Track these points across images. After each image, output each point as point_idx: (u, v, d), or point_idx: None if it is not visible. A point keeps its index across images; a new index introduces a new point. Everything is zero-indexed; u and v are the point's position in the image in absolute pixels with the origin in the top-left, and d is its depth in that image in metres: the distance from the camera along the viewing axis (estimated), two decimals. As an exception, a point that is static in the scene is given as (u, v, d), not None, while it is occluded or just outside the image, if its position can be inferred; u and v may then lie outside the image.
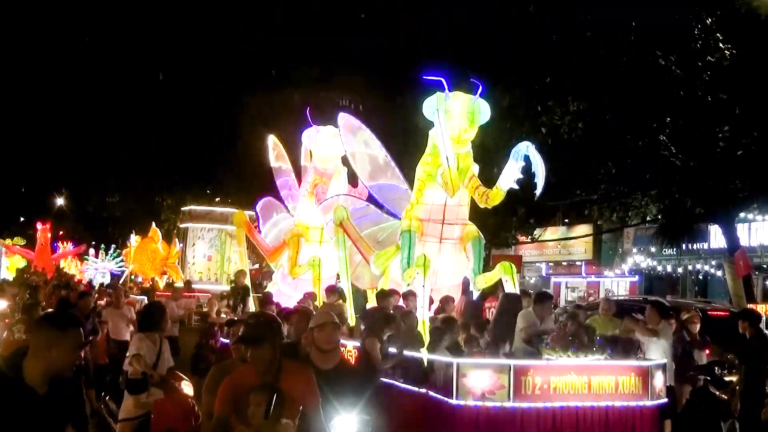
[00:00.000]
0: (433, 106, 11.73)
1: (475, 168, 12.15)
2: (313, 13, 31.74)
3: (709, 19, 18.20)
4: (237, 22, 35.61)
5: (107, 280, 34.67)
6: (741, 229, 22.99)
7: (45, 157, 41.20)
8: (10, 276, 33.16)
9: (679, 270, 28.09)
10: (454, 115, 11.69)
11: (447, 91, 11.77)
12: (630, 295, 25.66)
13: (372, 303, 13.15)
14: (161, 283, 28.83)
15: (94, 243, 41.91)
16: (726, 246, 20.34)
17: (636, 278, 30.34)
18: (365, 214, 14.12)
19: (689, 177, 19.20)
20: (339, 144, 14.68)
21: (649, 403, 8.81)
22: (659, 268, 28.86)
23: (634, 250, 29.97)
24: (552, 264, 35.47)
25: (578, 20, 19.36)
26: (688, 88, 18.48)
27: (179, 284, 23.68)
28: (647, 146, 19.61)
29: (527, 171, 11.44)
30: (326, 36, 30.61)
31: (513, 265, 12.33)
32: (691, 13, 18.28)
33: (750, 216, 24.10)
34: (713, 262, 25.96)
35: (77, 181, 44.03)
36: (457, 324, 10.25)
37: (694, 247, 25.71)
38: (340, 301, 12.85)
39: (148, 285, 28.18)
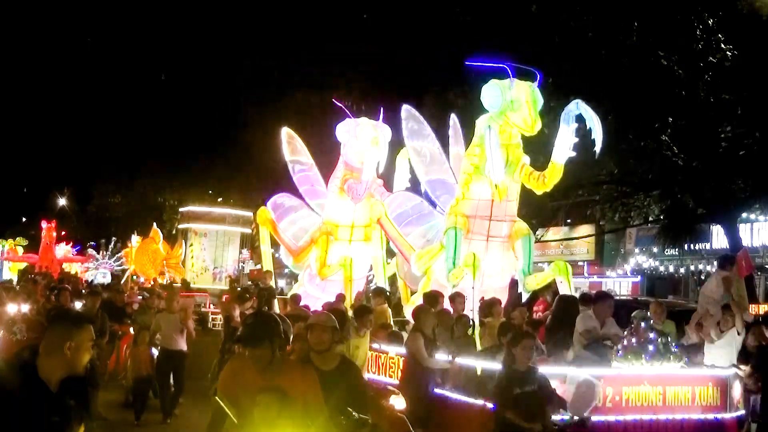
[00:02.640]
0: (496, 95, 10.93)
1: (526, 159, 11.46)
2: (314, 13, 31.76)
3: (711, 20, 18.19)
4: (239, 23, 35.62)
5: (107, 279, 34.66)
6: (743, 230, 23.00)
7: (47, 158, 41.28)
8: (12, 276, 33.19)
9: (681, 270, 28.08)
10: (522, 104, 10.83)
11: (511, 77, 10.93)
12: (632, 296, 25.63)
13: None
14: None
15: (94, 244, 41.94)
16: (728, 246, 20.33)
17: (638, 278, 30.34)
18: (419, 211, 13.51)
19: (691, 177, 19.19)
20: (386, 147, 14.06)
21: (727, 415, 8.14)
22: (661, 269, 28.85)
23: (637, 250, 29.98)
24: (554, 264, 35.41)
25: (580, 21, 19.34)
26: (690, 89, 18.47)
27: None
28: (649, 147, 19.60)
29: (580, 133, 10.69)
30: (328, 35, 30.61)
31: (568, 265, 11.61)
32: (693, 14, 18.25)
33: (752, 216, 24.11)
34: (715, 263, 25.90)
35: (79, 181, 44.10)
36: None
37: (696, 247, 25.73)
38: (385, 305, 12.16)
39: (149, 285, 28.19)
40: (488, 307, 10.66)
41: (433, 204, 13.45)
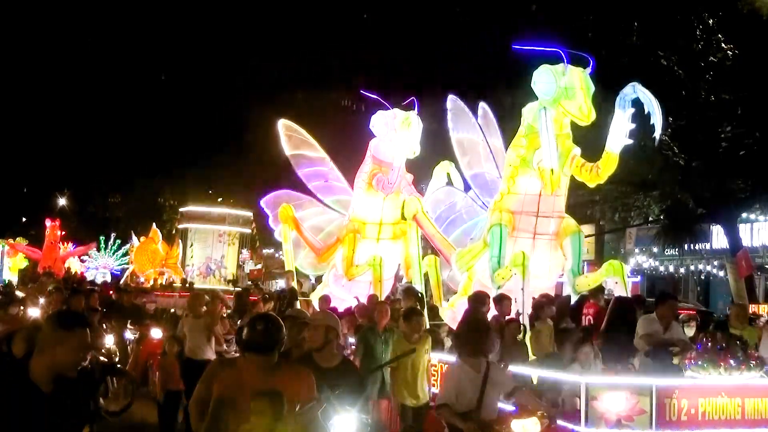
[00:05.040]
0: (550, 81, 10.19)
1: (576, 150, 10.70)
2: (314, 12, 31.79)
3: (711, 20, 18.20)
4: (239, 22, 35.64)
5: (107, 279, 34.66)
6: (743, 230, 22.98)
7: (47, 158, 41.24)
8: (13, 276, 33.16)
9: (681, 270, 28.04)
10: (577, 91, 10.12)
11: (566, 62, 10.22)
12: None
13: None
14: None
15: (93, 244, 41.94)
16: (728, 246, 20.33)
17: (638, 279, 30.27)
18: (464, 208, 12.93)
19: (691, 177, 19.18)
20: (419, 131, 13.28)
21: None
22: (661, 269, 28.82)
23: (637, 250, 29.94)
24: (554, 264, 35.37)
25: (580, 20, 19.35)
26: (691, 89, 18.47)
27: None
28: (649, 146, 19.60)
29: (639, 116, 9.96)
30: (328, 35, 30.64)
31: (623, 265, 10.87)
32: (693, 14, 18.27)
33: (752, 216, 24.08)
34: (715, 263, 25.92)
35: (79, 181, 44.09)
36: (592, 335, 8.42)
37: (696, 247, 25.68)
38: (417, 306, 10.97)
39: (149, 285, 28.21)
40: (537, 309, 9.86)
41: (478, 200, 12.79)
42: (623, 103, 9.87)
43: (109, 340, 11.02)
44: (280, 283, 40.19)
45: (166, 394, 9.70)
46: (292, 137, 15.93)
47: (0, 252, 36.48)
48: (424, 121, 13.54)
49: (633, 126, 9.91)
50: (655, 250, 27.30)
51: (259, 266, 36.62)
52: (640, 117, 10.17)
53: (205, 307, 10.26)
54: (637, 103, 9.96)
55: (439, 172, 14.13)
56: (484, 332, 5.63)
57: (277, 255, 45.17)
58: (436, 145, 14.38)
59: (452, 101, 13.12)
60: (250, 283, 28.64)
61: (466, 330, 5.86)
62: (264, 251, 39.88)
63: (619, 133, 9.90)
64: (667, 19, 18.27)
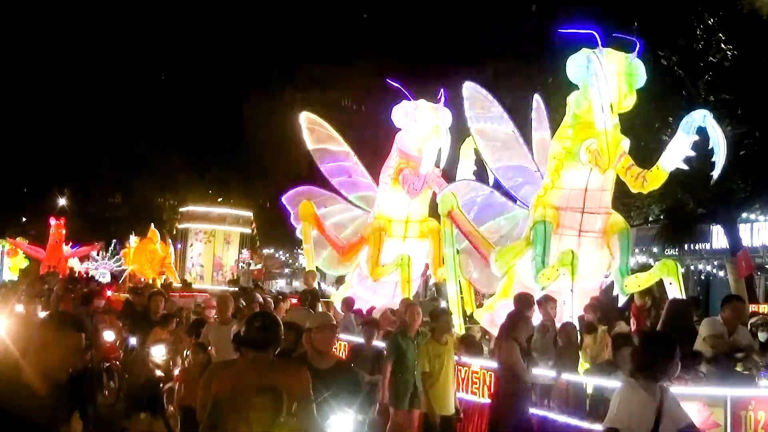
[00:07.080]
0: (581, 64, 9.73)
1: (626, 143, 10.12)
2: (314, 12, 31.78)
3: (711, 20, 18.18)
4: (240, 22, 35.62)
5: (107, 279, 34.62)
6: (743, 230, 22.94)
7: (47, 157, 41.24)
8: (13, 276, 33.12)
9: (681, 270, 27.96)
10: (611, 76, 9.52)
11: (600, 46, 9.74)
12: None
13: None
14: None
15: (96, 244, 41.94)
16: (728, 246, 20.30)
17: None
18: (489, 202, 12.08)
19: (691, 177, 19.16)
20: (440, 125, 12.64)
21: None
22: (661, 269, 28.75)
23: (636, 250, 29.89)
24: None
25: (580, 20, 19.32)
26: (690, 89, 18.45)
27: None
28: (650, 146, 19.59)
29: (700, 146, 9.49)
30: (328, 34, 30.64)
31: (678, 264, 10.40)
32: (693, 14, 18.24)
33: (752, 216, 24.03)
34: (715, 263, 25.87)
35: (79, 181, 44.09)
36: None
37: (696, 247, 25.63)
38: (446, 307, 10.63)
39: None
40: (585, 311, 9.29)
41: (507, 194, 12.08)
42: (688, 128, 9.44)
43: (158, 351, 9.61)
44: (280, 284, 40.26)
45: (187, 410, 8.03)
46: (314, 131, 15.29)
47: (0, 252, 36.44)
48: (451, 109, 13.01)
49: (693, 154, 9.54)
50: (655, 250, 27.26)
51: (259, 266, 36.65)
52: (699, 146, 9.79)
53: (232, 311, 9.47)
54: (701, 132, 9.57)
55: (466, 151, 13.39)
56: (671, 352, 4.70)
57: (277, 255, 45.23)
58: (464, 132, 13.80)
59: (469, 88, 12.14)
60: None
61: (651, 347, 4.88)
62: (264, 251, 39.89)
63: (676, 155, 9.49)
64: (667, 19, 18.23)
